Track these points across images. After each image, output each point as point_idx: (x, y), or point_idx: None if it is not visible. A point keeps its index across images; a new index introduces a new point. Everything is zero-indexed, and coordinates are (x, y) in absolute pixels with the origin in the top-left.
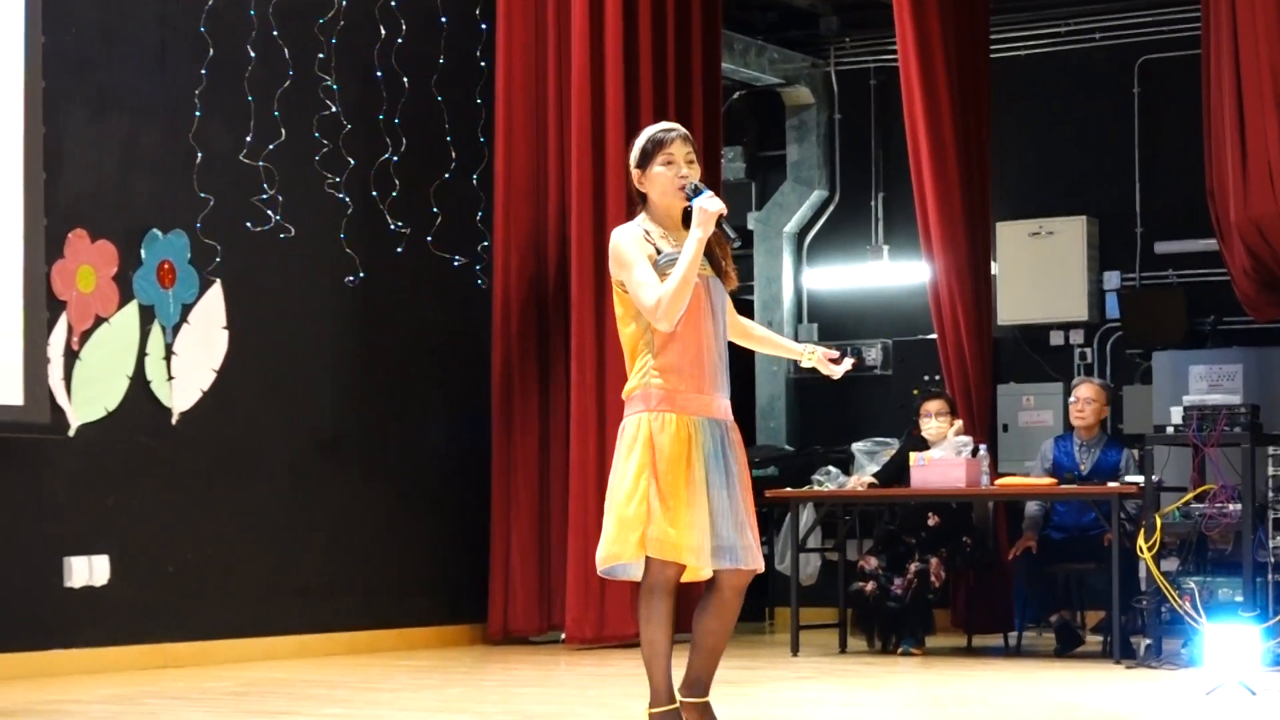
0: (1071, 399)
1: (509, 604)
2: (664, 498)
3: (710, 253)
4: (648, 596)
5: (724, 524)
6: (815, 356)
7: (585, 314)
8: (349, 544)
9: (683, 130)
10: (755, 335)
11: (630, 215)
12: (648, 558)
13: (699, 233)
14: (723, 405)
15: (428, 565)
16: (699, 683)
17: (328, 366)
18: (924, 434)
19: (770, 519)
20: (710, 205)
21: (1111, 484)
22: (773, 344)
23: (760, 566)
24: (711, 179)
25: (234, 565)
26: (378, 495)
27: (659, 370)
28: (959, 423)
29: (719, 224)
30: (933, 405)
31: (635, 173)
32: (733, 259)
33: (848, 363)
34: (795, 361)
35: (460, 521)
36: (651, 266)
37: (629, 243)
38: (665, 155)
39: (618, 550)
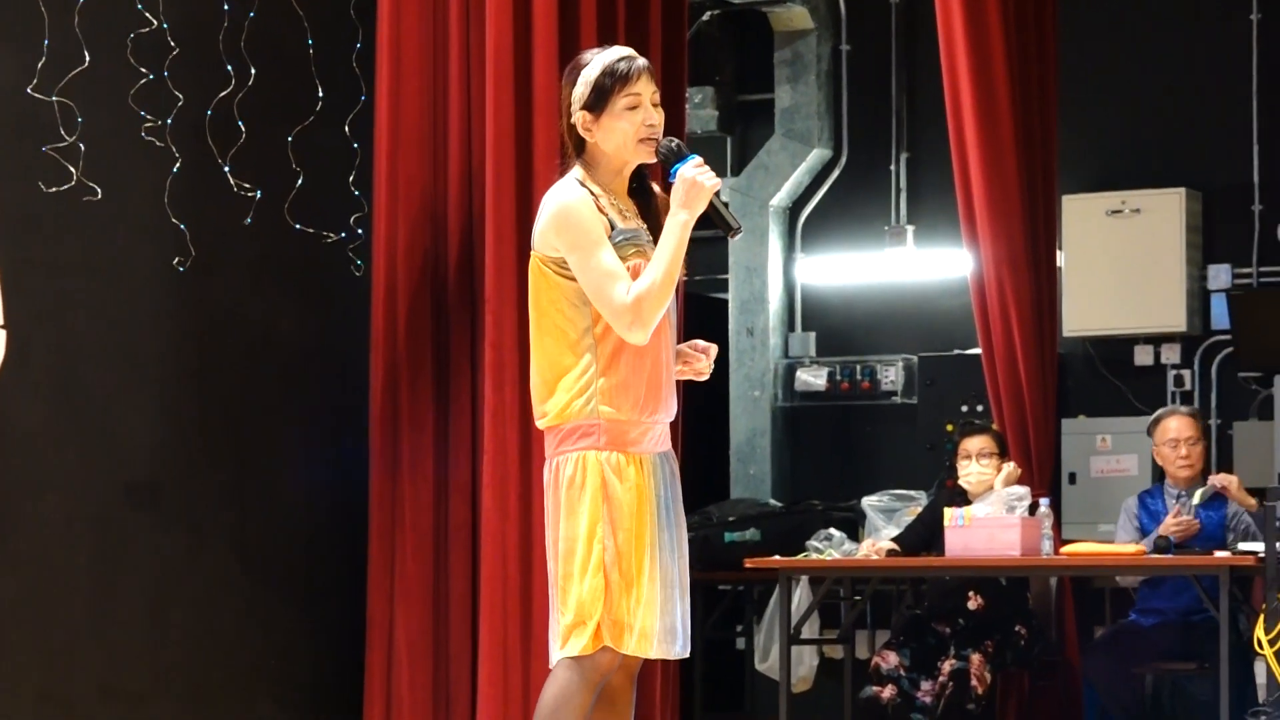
0: (1167, 438)
1: (392, 710)
2: (623, 569)
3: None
4: (571, 694)
5: (673, 596)
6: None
7: (505, 311)
8: (170, 629)
9: (645, 60)
10: None
11: (561, 171)
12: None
13: (684, 215)
14: (666, 432)
15: (280, 658)
16: None
17: (144, 383)
18: (963, 482)
19: (748, 598)
20: (705, 178)
21: (1220, 553)
22: None
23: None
24: (672, 134)
25: (10, 656)
26: (211, 563)
27: (607, 393)
28: (1011, 468)
29: (711, 204)
30: (975, 443)
31: (582, 115)
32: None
33: (710, 353)
34: (783, 385)
35: (326, 599)
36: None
37: (587, 212)
38: (630, 95)
39: (574, 641)
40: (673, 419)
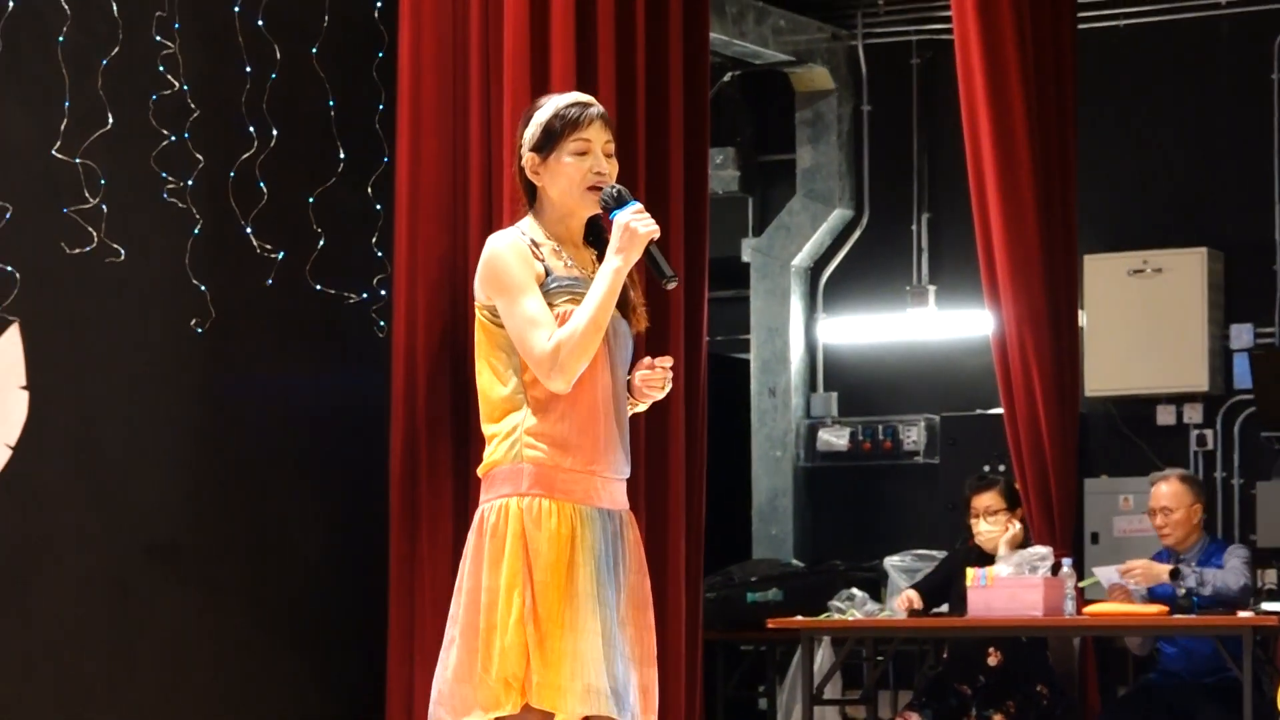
0: (1148, 509)
1: None
2: (540, 621)
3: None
4: None
5: (616, 657)
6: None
7: None
8: (187, 688)
9: (601, 107)
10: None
11: (514, 218)
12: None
13: (617, 261)
14: (619, 491)
15: (299, 718)
16: None
17: (163, 443)
18: (976, 540)
19: (771, 659)
20: (641, 224)
21: (1244, 613)
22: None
23: (654, 715)
24: (694, 194)
25: (28, 715)
26: (229, 623)
27: (535, 438)
28: (1016, 529)
29: (648, 252)
30: (980, 501)
31: (530, 158)
32: (644, 293)
33: (663, 362)
34: (805, 445)
35: (344, 660)
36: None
37: (514, 258)
38: (579, 141)
39: (492, 698)
40: (624, 477)
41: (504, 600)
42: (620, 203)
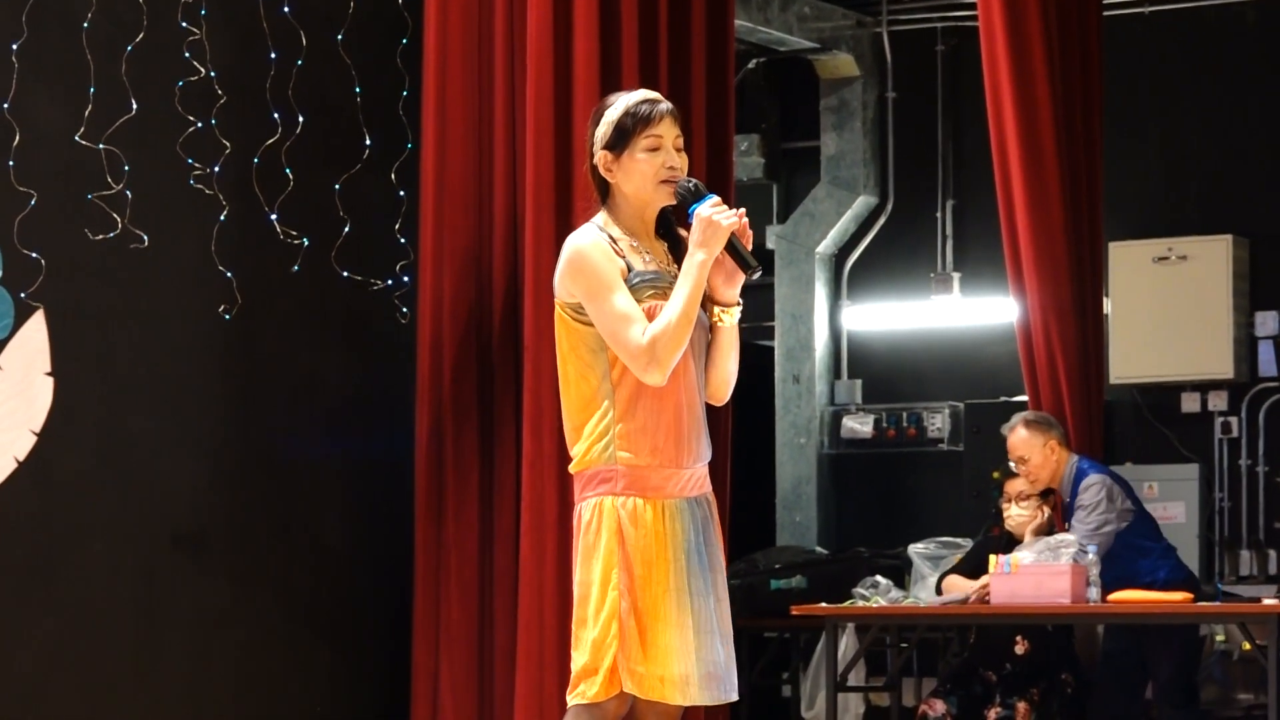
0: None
1: None
2: (639, 614)
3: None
4: None
5: (711, 642)
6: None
7: (544, 359)
8: (214, 677)
9: (669, 103)
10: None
11: (589, 214)
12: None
13: (700, 254)
14: (704, 476)
15: (325, 707)
16: None
17: (189, 430)
18: (1006, 524)
19: (794, 646)
20: (723, 217)
21: (1269, 600)
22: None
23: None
24: (718, 181)
25: (54, 703)
26: (255, 610)
27: (625, 438)
28: (1044, 517)
29: (730, 245)
30: (1015, 485)
31: (603, 156)
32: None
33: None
34: (829, 432)
35: (371, 647)
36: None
37: (599, 257)
38: (651, 137)
39: (577, 686)
40: (707, 462)
41: (596, 595)
42: (698, 196)
